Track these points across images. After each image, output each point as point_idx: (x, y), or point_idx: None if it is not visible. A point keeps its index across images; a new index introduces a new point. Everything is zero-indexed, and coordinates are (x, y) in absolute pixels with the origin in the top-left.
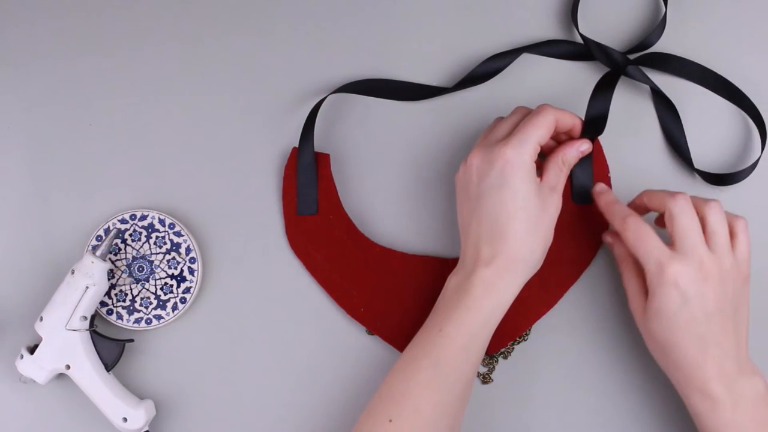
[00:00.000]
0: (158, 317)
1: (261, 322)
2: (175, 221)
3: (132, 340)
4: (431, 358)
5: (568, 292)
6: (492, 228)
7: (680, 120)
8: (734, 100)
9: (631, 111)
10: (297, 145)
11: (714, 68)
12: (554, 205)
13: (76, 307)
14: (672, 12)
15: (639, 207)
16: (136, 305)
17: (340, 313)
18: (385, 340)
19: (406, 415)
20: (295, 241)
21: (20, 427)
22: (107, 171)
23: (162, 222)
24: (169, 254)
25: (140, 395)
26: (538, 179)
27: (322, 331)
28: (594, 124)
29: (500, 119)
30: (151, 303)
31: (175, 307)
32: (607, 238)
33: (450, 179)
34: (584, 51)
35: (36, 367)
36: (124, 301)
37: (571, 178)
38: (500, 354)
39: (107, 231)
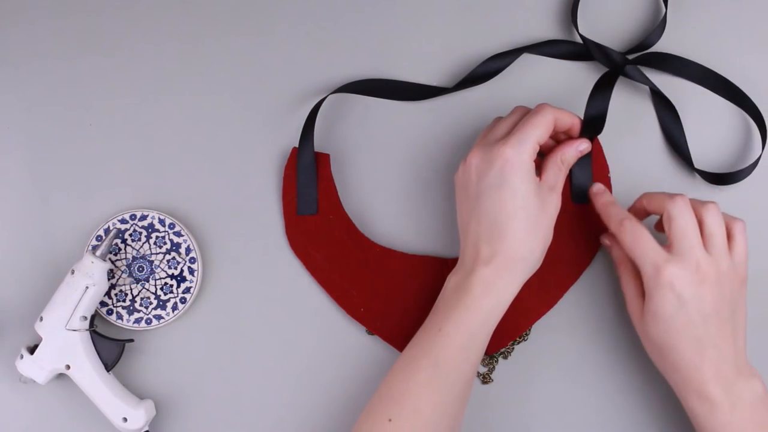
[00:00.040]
0: (158, 317)
1: (261, 322)
2: (175, 221)
3: (132, 340)
4: (431, 357)
5: (567, 292)
6: (491, 227)
7: (680, 120)
8: (734, 100)
9: (630, 111)
10: (297, 145)
11: (714, 68)
12: (553, 204)
13: (76, 307)
14: (672, 12)
15: (639, 211)
16: (136, 305)
17: (340, 313)
18: (385, 340)
19: (406, 414)
20: (295, 241)
21: (20, 427)
22: (107, 171)
23: (162, 222)
24: (169, 254)
25: (140, 395)
26: (538, 178)
27: (322, 331)
28: (593, 124)
29: (499, 119)
30: (151, 303)
31: (175, 307)
32: (605, 241)
33: (450, 179)
34: (584, 51)
35: (36, 367)
36: (124, 301)
37: (570, 177)
38: (500, 354)
39: (107, 231)
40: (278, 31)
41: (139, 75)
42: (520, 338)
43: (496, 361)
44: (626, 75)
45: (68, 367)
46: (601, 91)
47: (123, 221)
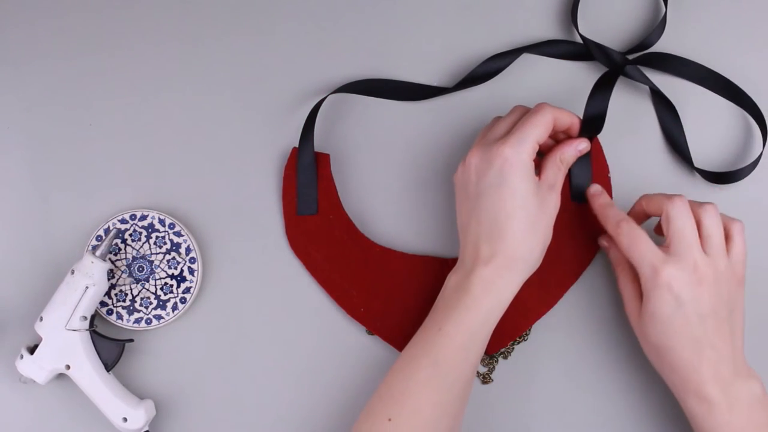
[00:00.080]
0: (158, 317)
1: (261, 322)
2: (175, 221)
3: (132, 340)
4: (430, 357)
5: (567, 292)
6: (491, 227)
7: (680, 119)
8: (734, 100)
9: (630, 111)
10: (297, 145)
11: (714, 68)
12: (553, 203)
13: (76, 307)
14: (672, 12)
15: (638, 214)
16: (136, 305)
17: (340, 313)
18: (385, 340)
19: (406, 414)
20: (295, 241)
21: (20, 427)
22: (107, 171)
23: (162, 222)
24: (169, 254)
25: (140, 395)
26: (537, 178)
27: (322, 331)
28: (592, 123)
29: (498, 118)
30: (151, 303)
31: (175, 307)
32: (603, 242)
33: (450, 179)
34: (584, 51)
35: (36, 367)
36: (124, 301)
37: (570, 176)
38: (500, 354)
39: (107, 231)
40: (278, 31)
41: (139, 75)
42: (520, 338)
43: (496, 361)
44: (626, 75)
45: (68, 367)
46: (601, 90)
47: (123, 221)
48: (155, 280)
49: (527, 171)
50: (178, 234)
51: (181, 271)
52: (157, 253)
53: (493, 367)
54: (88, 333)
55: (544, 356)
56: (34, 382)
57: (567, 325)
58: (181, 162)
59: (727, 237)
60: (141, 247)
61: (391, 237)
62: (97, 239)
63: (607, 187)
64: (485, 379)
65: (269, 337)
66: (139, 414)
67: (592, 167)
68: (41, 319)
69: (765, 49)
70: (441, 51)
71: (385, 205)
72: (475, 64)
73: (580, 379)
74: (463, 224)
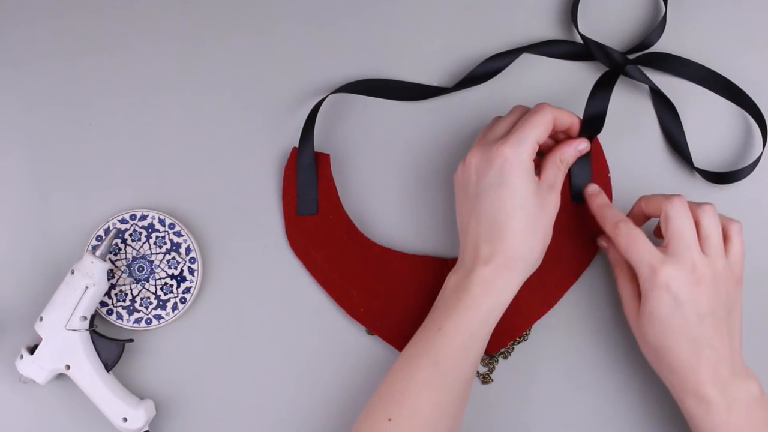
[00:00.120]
0: (158, 317)
1: (261, 322)
2: (175, 221)
3: (132, 340)
4: (430, 356)
5: (567, 292)
6: (491, 227)
7: (680, 119)
8: (734, 100)
9: (630, 110)
10: (297, 145)
11: (714, 68)
12: (553, 203)
13: (76, 307)
14: (672, 12)
15: (638, 215)
16: (136, 305)
17: (340, 313)
18: (385, 340)
19: (406, 414)
20: (295, 241)
21: (20, 427)
22: (107, 171)
23: (162, 222)
24: (169, 254)
25: (140, 395)
26: (537, 178)
27: (322, 331)
28: (592, 123)
29: (498, 118)
30: (151, 303)
31: (175, 307)
32: (602, 243)
33: (449, 179)
34: (584, 51)
35: (36, 367)
36: (124, 301)
37: (569, 176)
38: (500, 354)
39: (107, 231)
40: (278, 31)
41: (139, 75)
42: (520, 338)
43: (496, 361)
44: (626, 74)
45: (68, 367)
46: (601, 90)
47: (123, 221)
48: (155, 280)
49: (527, 171)
50: (178, 234)
51: (181, 271)
52: (157, 253)
53: (493, 367)
54: (88, 333)
55: (544, 356)
56: (34, 382)
57: (567, 325)
58: (181, 162)
59: (726, 237)
60: (141, 247)
61: (391, 237)
62: (97, 239)
63: (607, 187)
64: (485, 379)
65: (269, 337)
66: (139, 414)
67: (592, 167)
68: (41, 319)
69: (765, 49)
70: (441, 51)
71: (385, 205)
72: (475, 64)
73: (580, 379)
74: (463, 224)
